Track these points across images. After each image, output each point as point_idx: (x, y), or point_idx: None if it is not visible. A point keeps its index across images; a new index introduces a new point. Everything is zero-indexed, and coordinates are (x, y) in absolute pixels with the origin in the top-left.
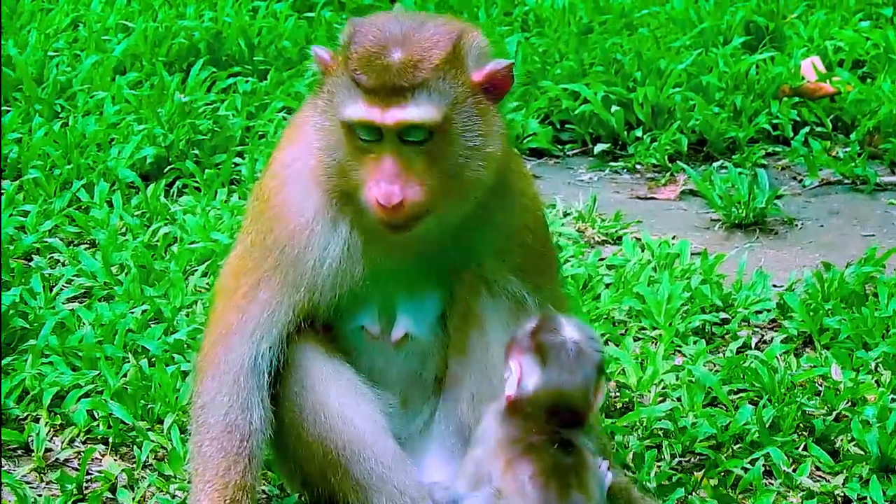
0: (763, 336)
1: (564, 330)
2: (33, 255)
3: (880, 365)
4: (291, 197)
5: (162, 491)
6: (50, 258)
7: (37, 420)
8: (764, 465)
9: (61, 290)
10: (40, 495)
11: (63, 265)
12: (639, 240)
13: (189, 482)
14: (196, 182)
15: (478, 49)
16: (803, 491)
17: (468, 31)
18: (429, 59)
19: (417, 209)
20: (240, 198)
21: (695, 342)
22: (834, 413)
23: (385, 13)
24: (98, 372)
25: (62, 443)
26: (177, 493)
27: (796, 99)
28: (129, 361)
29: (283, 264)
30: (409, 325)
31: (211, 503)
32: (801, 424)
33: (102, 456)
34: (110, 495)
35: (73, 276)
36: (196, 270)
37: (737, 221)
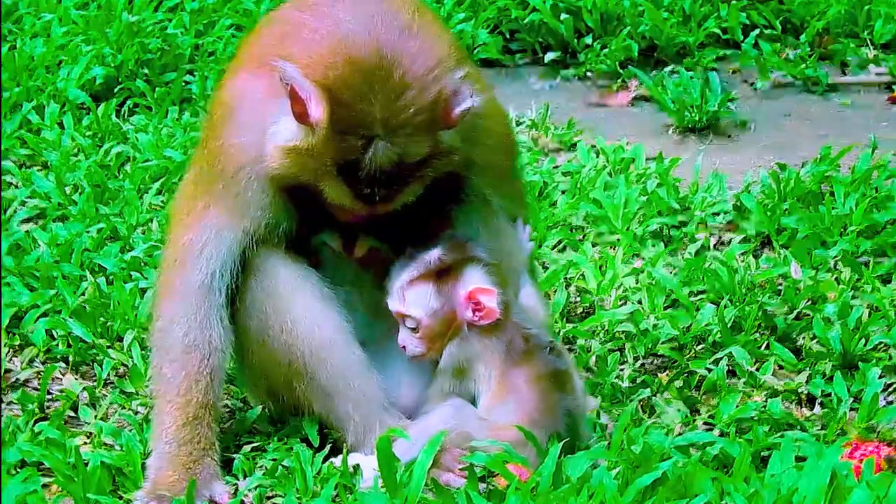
0: (721, 237)
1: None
2: None
3: (839, 262)
4: (238, 132)
5: (124, 408)
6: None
7: None
8: (727, 365)
9: (15, 211)
10: (2, 416)
11: (16, 187)
12: (593, 146)
13: (151, 399)
14: (147, 101)
15: (454, 97)
16: (767, 389)
17: (448, 84)
18: (415, 153)
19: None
20: (191, 115)
21: (653, 245)
22: (795, 312)
23: (352, 58)
24: (56, 291)
25: (22, 363)
26: (139, 409)
27: (745, 2)
28: (86, 280)
29: (229, 193)
30: (373, 239)
31: (173, 421)
32: (762, 324)
33: (63, 375)
34: (72, 413)
35: (27, 197)
36: (150, 188)
37: (690, 125)
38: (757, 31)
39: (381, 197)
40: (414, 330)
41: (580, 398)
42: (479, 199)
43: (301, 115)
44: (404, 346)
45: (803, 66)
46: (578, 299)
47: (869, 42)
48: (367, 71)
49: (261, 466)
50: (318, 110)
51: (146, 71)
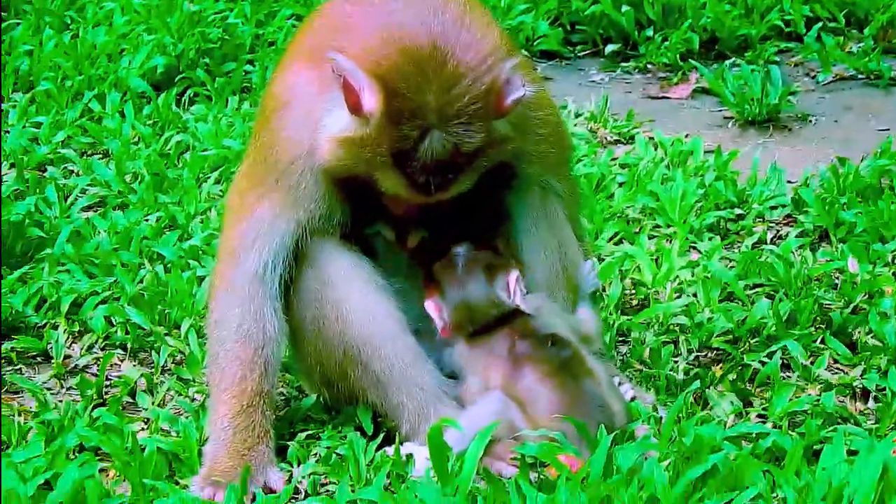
0: (778, 231)
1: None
2: (47, 166)
3: None
4: (290, 125)
5: (181, 394)
6: (64, 168)
7: (55, 327)
8: (781, 359)
9: (76, 199)
10: (61, 401)
11: (77, 175)
12: (651, 139)
13: (207, 387)
14: (207, 90)
15: (507, 86)
16: (821, 383)
17: (501, 73)
18: (470, 142)
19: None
20: (251, 105)
21: (710, 238)
22: (851, 306)
23: (405, 48)
24: (114, 279)
25: (81, 349)
26: (196, 396)
27: None
28: (144, 268)
29: (282, 185)
30: (425, 230)
31: (228, 409)
32: (818, 318)
33: (121, 361)
34: (130, 399)
35: (88, 185)
36: (209, 178)
37: (750, 119)
38: (820, 24)
39: (436, 186)
40: None
41: (603, 378)
42: (534, 185)
43: (355, 107)
44: None
45: (866, 59)
46: (634, 291)
47: None
48: (420, 61)
49: (315, 454)
50: (372, 101)
51: (206, 60)
